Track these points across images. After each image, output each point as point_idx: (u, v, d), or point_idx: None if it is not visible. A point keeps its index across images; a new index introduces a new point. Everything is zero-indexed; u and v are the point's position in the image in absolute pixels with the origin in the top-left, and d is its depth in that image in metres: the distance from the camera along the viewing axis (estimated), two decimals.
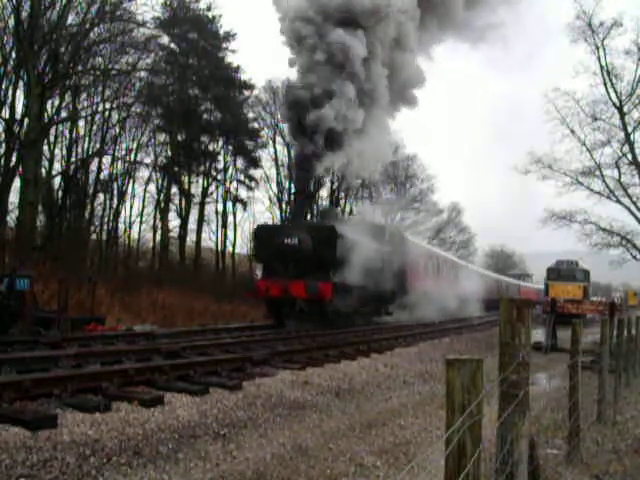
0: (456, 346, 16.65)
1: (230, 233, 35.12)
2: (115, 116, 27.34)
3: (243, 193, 35.76)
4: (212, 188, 34.18)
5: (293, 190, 17.90)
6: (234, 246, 35.57)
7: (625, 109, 25.05)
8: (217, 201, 34.71)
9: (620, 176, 25.56)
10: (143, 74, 27.58)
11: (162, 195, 31.39)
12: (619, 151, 25.58)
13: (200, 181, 33.80)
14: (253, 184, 35.61)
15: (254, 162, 35.35)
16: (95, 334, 11.99)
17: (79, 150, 26.68)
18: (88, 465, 4.61)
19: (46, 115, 22.74)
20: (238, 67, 34.00)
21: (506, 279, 55.63)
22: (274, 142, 35.70)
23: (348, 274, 16.39)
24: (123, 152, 29.36)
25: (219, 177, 34.57)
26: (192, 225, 33.10)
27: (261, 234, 17.87)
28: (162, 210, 31.28)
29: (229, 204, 34.94)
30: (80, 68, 23.49)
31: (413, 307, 23.47)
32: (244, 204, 35.38)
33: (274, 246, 16.25)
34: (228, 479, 4.71)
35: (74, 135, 26.17)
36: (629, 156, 25.32)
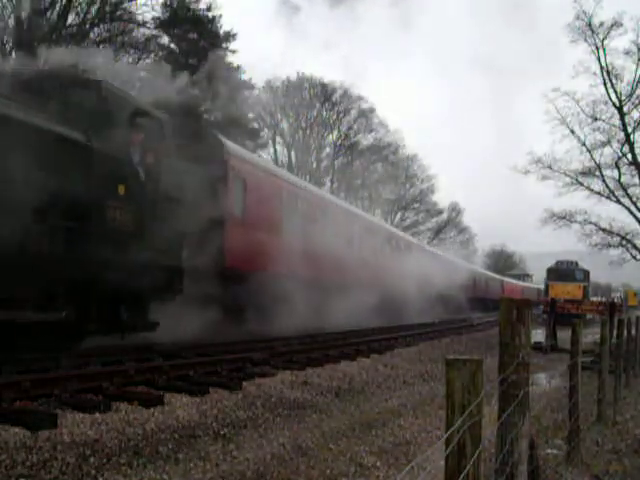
0: (456, 346, 16.66)
1: None
2: None
3: None
4: None
5: None
6: None
7: (625, 109, 25.11)
8: None
9: (620, 176, 25.63)
10: (143, 74, 27.56)
11: None
12: (619, 151, 25.64)
13: None
14: None
15: None
16: None
17: None
18: (88, 465, 4.61)
19: None
20: (238, 67, 34.04)
21: (484, 272, 48.46)
22: (274, 142, 35.79)
23: None
24: None
25: None
26: None
27: None
28: None
29: None
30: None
31: (261, 311, 12.50)
32: None
33: None
34: (228, 479, 4.71)
35: None
36: (629, 156, 25.37)
